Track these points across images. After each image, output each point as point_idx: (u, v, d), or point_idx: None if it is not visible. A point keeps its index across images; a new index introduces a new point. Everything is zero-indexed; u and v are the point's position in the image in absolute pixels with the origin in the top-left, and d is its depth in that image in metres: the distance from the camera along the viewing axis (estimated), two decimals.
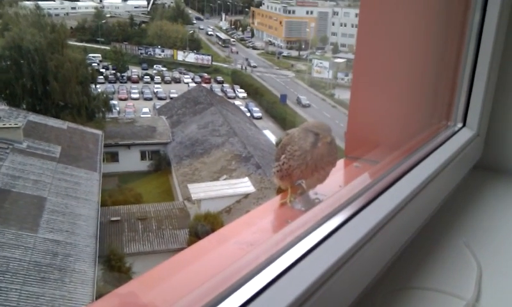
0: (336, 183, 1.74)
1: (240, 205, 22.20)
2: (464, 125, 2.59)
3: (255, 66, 73.19)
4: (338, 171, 1.83)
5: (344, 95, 57.73)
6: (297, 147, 1.53)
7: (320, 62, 70.14)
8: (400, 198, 1.67)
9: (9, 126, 22.01)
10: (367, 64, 2.10)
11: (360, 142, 2.09)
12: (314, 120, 1.66)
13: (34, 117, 26.41)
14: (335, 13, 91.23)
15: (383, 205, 1.60)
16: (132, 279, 1.25)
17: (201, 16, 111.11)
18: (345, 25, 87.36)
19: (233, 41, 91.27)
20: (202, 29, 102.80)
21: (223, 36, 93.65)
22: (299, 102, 56.07)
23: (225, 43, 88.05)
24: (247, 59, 75.08)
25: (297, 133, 1.56)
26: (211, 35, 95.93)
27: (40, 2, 38.15)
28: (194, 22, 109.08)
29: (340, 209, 1.50)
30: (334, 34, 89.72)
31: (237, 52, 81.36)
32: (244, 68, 70.70)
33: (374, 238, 1.47)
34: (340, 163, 1.96)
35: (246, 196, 22.81)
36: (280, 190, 1.76)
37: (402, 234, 1.83)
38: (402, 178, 1.82)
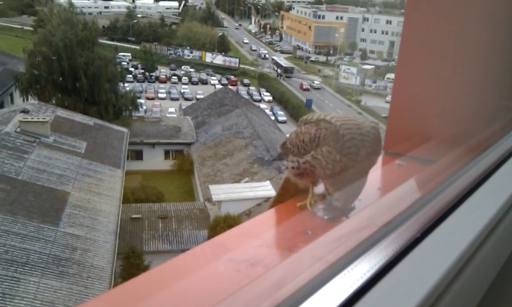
0: (373, 185, 1.27)
1: (260, 208, 22.00)
2: None
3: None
4: (375, 170, 1.36)
5: (371, 102, 56.97)
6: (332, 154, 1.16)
7: (348, 68, 69.43)
8: (489, 215, 1.02)
9: (38, 120, 22.46)
10: (418, 32, 1.61)
11: (404, 135, 1.67)
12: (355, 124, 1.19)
13: (62, 112, 26.93)
14: (365, 19, 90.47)
15: (459, 226, 0.96)
16: (93, 297, 0.88)
17: (237, 24, 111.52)
18: (375, 32, 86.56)
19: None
20: (237, 28, 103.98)
21: (283, 62, 73.33)
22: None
23: (287, 73, 68.56)
24: (275, 63, 74.65)
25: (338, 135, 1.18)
26: (265, 58, 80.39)
27: (74, 1, 38.76)
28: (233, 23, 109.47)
29: (393, 229, 0.91)
30: (363, 40, 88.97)
31: (308, 89, 63.12)
32: (280, 76, 67.89)
33: (453, 284, 0.85)
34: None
35: (267, 199, 22.61)
36: (285, 185, 1.43)
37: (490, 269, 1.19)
38: (483, 185, 1.20)
